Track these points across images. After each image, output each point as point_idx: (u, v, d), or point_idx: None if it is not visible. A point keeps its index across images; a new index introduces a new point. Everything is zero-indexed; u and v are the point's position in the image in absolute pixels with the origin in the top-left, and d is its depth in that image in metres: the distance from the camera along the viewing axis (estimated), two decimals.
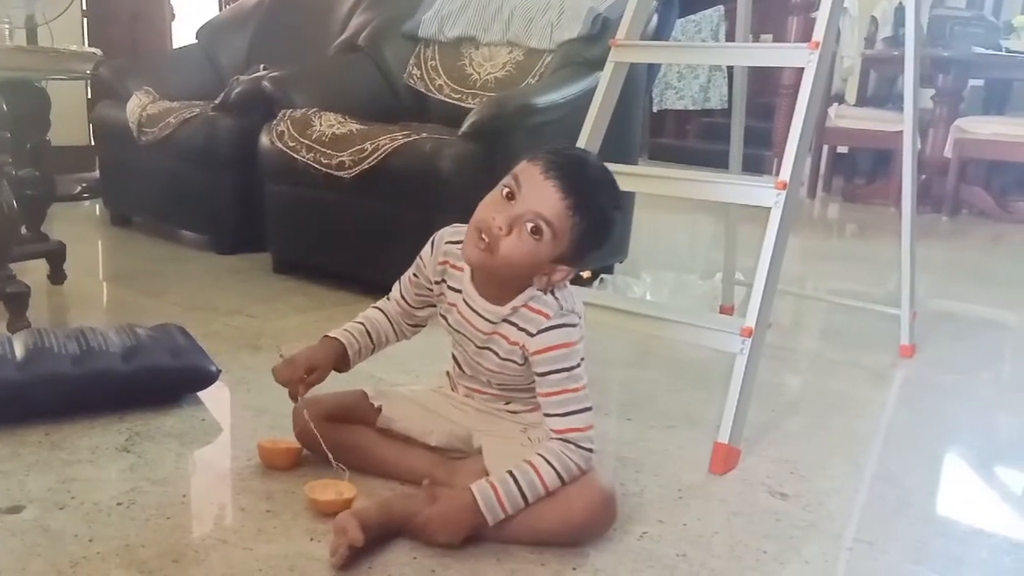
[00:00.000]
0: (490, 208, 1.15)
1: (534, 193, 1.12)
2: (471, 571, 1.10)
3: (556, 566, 1.13)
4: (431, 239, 1.31)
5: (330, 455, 1.27)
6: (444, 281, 1.29)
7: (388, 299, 1.38)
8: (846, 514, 1.35)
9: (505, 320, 1.21)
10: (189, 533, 1.17)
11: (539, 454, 1.16)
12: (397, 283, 1.37)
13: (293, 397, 1.31)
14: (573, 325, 1.19)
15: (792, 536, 1.25)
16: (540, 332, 1.18)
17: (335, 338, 1.33)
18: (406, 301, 1.36)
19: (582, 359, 1.19)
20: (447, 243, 1.28)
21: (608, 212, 1.18)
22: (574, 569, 1.12)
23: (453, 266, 1.27)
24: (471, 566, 1.11)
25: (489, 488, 1.14)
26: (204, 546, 1.13)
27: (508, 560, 1.13)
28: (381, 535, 1.13)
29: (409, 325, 1.39)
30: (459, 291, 1.26)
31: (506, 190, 1.14)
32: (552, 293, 1.20)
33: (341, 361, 1.34)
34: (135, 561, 1.08)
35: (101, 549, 1.11)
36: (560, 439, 1.16)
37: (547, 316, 1.18)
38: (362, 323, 1.36)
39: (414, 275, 1.33)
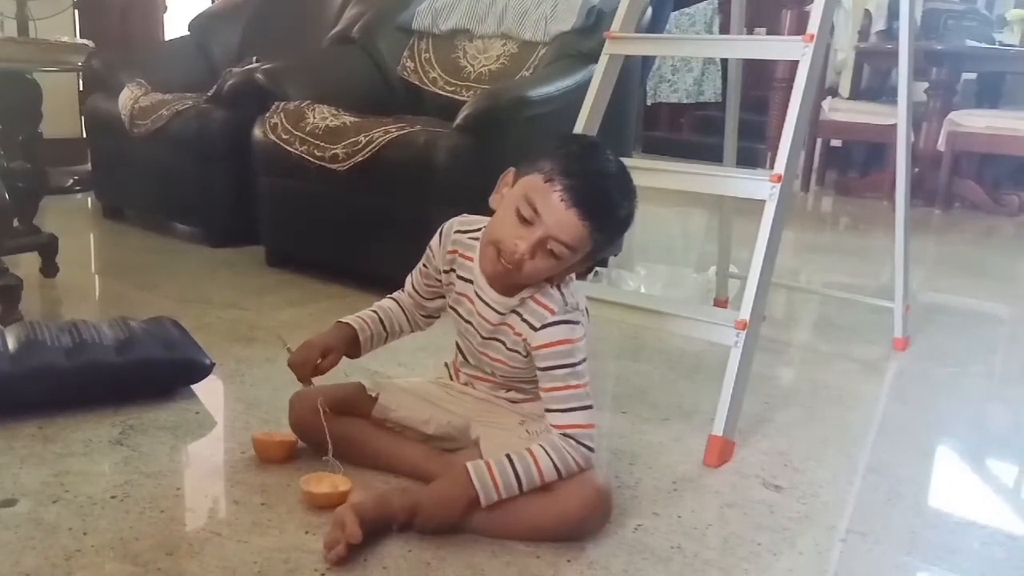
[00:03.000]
0: (510, 231, 1.14)
1: (553, 219, 1.11)
2: (466, 564, 1.10)
3: (551, 558, 1.13)
4: (440, 229, 1.30)
5: (330, 449, 1.27)
6: (453, 270, 1.28)
7: (403, 291, 1.39)
8: (840, 505, 1.36)
9: (513, 311, 1.21)
10: (183, 526, 1.17)
11: (540, 444, 1.16)
12: (410, 275, 1.37)
13: (304, 380, 1.32)
14: (576, 322, 1.19)
15: (786, 528, 1.26)
16: (543, 327, 1.19)
17: (347, 324, 1.34)
18: (418, 292, 1.37)
19: (584, 358, 1.19)
20: (456, 232, 1.28)
21: (627, 220, 1.18)
22: (568, 561, 1.13)
23: (463, 255, 1.27)
24: (466, 559, 1.11)
25: (483, 464, 1.14)
26: (198, 539, 1.13)
27: (503, 553, 1.13)
28: (378, 529, 1.13)
29: (423, 316, 1.40)
30: (470, 281, 1.26)
31: (521, 213, 1.13)
32: (558, 287, 1.20)
33: (353, 347, 1.34)
34: (129, 554, 1.08)
35: (95, 542, 1.11)
36: (562, 435, 1.17)
37: (551, 311, 1.19)
38: (375, 312, 1.37)
39: (424, 266, 1.34)
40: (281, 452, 1.35)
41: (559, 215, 1.11)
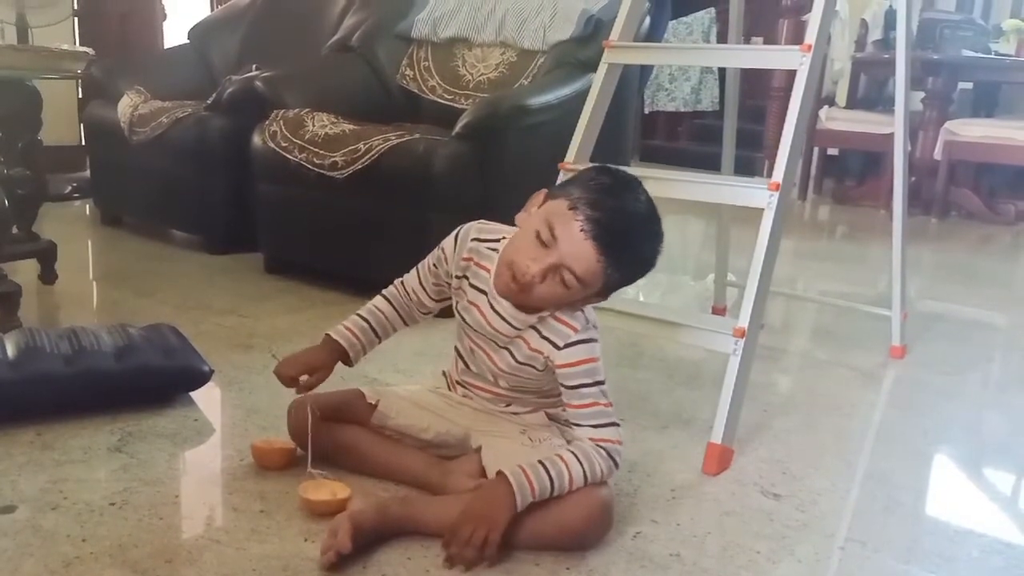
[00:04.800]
0: (524, 252, 1.13)
1: (570, 248, 1.10)
2: (466, 571, 1.10)
3: (551, 566, 1.13)
4: (455, 232, 1.28)
5: (310, 460, 1.27)
6: (466, 278, 1.26)
7: (402, 284, 1.36)
8: (838, 514, 1.36)
9: (531, 327, 1.21)
10: (182, 533, 1.17)
11: (571, 451, 1.16)
12: (415, 270, 1.35)
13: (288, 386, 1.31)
14: (596, 340, 1.20)
15: (785, 536, 1.26)
16: (568, 346, 1.18)
17: (336, 339, 1.33)
18: (424, 290, 1.34)
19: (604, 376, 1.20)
20: (474, 240, 1.26)
21: (647, 263, 1.17)
22: (568, 569, 1.13)
23: (478, 264, 1.25)
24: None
25: (520, 471, 1.12)
26: (197, 546, 1.13)
27: (503, 559, 1.12)
28: (377, 537, 1.13)
29: (422, 313, 1.38)
30: (484, 292, 1.24)
31: (540, 236, 1.12)
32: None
33: (344, 359, 1.34)
34: (128, 561, 1.08)
35: (94, 549, 1.10)
36: (596, 446, 1.17)
37: (574, 329, 1.18)
38: (366, 319, 1.35)
39: (433, 265, 1.31)
40: (280, 459, 1.35)
41: (576, 245, 1.10)
